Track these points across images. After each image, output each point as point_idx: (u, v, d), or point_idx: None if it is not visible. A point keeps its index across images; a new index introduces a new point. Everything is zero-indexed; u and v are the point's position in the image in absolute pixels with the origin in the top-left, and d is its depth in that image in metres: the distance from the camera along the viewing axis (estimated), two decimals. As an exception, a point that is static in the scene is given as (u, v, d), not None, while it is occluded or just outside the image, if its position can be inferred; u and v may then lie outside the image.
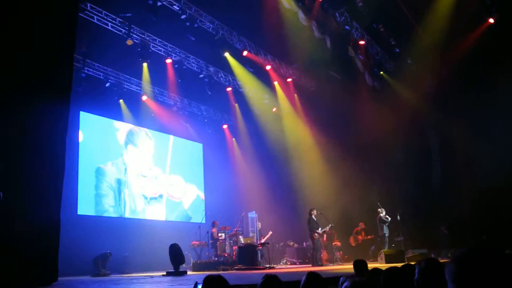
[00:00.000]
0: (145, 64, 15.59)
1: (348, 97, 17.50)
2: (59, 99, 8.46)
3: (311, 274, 3.74)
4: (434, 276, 2.60)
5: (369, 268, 4.98)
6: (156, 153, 18.32)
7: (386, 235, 15.02)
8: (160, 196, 18.02)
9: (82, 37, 12.21)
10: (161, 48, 15.22)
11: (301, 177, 18.90)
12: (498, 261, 1.38)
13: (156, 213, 17.75)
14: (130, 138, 17.36)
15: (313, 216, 14.99)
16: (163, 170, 18.44)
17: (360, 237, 16.72)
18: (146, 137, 18.12)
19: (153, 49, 14.96)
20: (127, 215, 16.48)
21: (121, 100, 16.44)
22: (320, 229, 15.10)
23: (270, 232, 16.54)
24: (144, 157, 17.79)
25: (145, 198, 17.35)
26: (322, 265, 14.29)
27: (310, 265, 14.77)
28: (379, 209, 15.37)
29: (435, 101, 16.94)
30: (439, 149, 17.16)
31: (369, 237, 16.67)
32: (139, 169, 17.37)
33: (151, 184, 17.72)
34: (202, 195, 19.91)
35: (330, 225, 15.57)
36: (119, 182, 16.42)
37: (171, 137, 19.25)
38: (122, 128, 17.13)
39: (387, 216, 15.28)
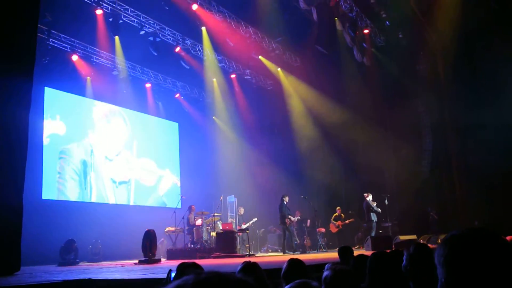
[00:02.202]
0: (117, 38, 15.35)
1: (335, 73, 17.52)
2: (21, 72, 8.27)
3: (293, 261, 3.75)
4: (423, 261, 2.62)
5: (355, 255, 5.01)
6: (126, 134, 18.12)
7: (374, 221, 15.13)
8: (129, 180, 17.88)
9: (46, 4, 11.93)
10: (133, 19, 14.97)
11: (283, 160, 18.94)
12: (490, 243, 1.37)
13: (126, 198, 17.64)
14: (98, 117, 17.13)
15: (284, 202, 15.05)
16: (133, 152, 18.26)
17: (339, 222, 16.84)
18: (116, 116, 17.89)
19: (124, 19, 14.72)
20: (94, 199, 16.35)
21: (88, 78, 16.21)
22: (290, 216, 15.13)
23: (255, 219, 16.57)
24: (114, 138, 17.60)
25: (114, 182, 17.19)
26: (297, 252, 14.42)
27: (282, 254, 14.76)
28: (365, 194, 15.46)
29: (426, 79, 17.05)
30: (430, 130, 17.28)
31: (347, 221, 16.77)
32: (107, 151, 17.19)
33: (120, 167, 17.56)
34: (177, 180, 19.81)
35: (297, 217, 15.85)
36: (85, 164, 16.24)
37: (144, 115, 19.05)
38: (90, 106, 16.89)
39: (374, 203, 15.36)
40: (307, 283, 2.03)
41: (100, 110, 17.23)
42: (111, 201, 16.96)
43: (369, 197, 15.36)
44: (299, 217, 16.34)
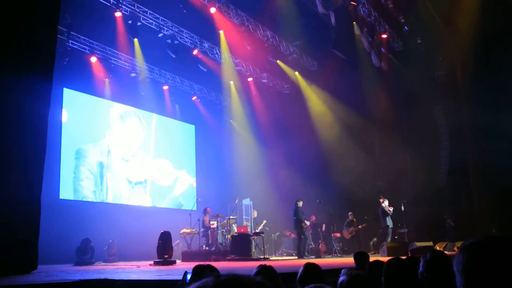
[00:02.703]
0: (136, 40, 15.47)
1: (352, 78, 17.48)
2: (41, 73, 8.37)
3: (309, 265, 3.74)
4: (440, 268, 2.61)
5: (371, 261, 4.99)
6: (143, 135, 18.24)
7: (390, 226, 15.03)
8: (146, 181, 17.98)
9: (66, 6, 12.08)
10: (152, 22, 15.09)
11: (299, 165, 18.91)
12: (509, 251, 1.36)
13: (142, 198, 17.75)
14: (115, 118, 17.27)
15: (299, 206, 15.02)
16: (149, 153, 18.36)
17: (352, 228, 16.74)
18: (133, 117, 18.02)
19: (143, 21, 14.84)
20: (111, 200, 16.47)
21: (106, 79, 16.36)
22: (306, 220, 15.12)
23: (264, 221, 16.60)
24: (130, 139, 17.72)
25: (130, 182, 17.30)
26: (309, 257, 14.40)
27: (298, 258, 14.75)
28: (381, 199, 15.36)
29: (445, 85, 16.93)
30: (448, 136, 17.12)
31: (360, 227, 16.65)
32: (123, 152, 17.31)
33: (136, 168, 17.66)
34: (193, 181, 19.88)
35: (311, 219, 15.81)
36: (101, 165, 16.37)
37: (161, 117, 19.16)
38: (107, 107, 17.05)
39: (390, 209, 15.22)
40: (321, 287, 2.03)
41: (118, 111, 17.37)
42: (127, 202, 17.06)
43: (385, 203, 15.25)
44: (312, 221, 16.29)
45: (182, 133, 20.30)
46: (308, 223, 15.27)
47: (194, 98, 19.90)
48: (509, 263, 1.34)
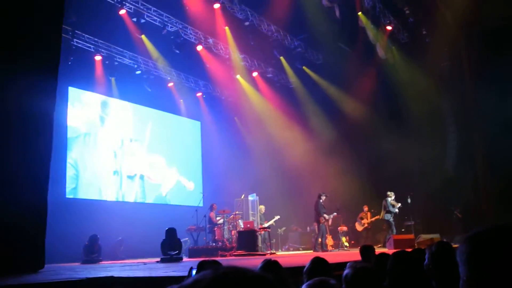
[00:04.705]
0: (143, 36, 15.46)
1: (357, 70, 17.43)
2: (46, 71, 8.38)
3: (316, 259, 3.74)
4: (446, 260, 2.58)
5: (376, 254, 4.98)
6: (149, 133, 18.27)
7: (389, 219, 15.04)
8: (153, 179, 18.02)
9: (70, 5, 12.08)
10: (156, 18, 15.07)
11: (305, 157, 18.81)
12: (513, 240, 1.34)
13: (147, 195, 17.79)
14: (121, 117, 17.32)
15: (321, 201, 15.07)
16: (155, 151, 18.40)
17: (365, 221, 16.72)
18: (139, 115, 18.06)
19: (147, 19, 14.83)
20: (115, 197, 16.56)
21: (112, 78, 16.38)
22: (326, 214, 15.12)
23: (277, 217, 16.54)
24: (136, 137, 17.78)
25: (132, 179, 17.34)
26: (326, 251, 14.42)
27: (312, 251, 14.89)
28: (388, 192, 15.33)
29: (450, 76, 16.84)
30: (455, 128, 17.04)
31: (373, 219, 16.62)
32: (128, 150, 17.37)
33: (141, 166, 17.71)
34: (198, 180, 19.84)
35: (334, 213, 15.67)
36: (105, 163, 16.44)
37: (167, 114, 19.22)
38: (113, 105, 17.09)
39: (397, 204, 15.14)
40: (325, 280, 2.03)
41: (123, 109, 17.41)
42: (133, 199, 17.14)
43: (392, 197, 15.22)
44: (335, 214, 16.11)
45: (188, 129, 20.32)
46: (327, 217, 15.22)
47: (199, 94, 19.89)
48: (512, 252, 1.32)
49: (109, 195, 16.27)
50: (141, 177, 17.55)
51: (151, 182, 17.98)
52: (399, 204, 15.14)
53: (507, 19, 14.47)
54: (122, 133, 17.19)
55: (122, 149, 17.00)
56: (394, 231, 14.82)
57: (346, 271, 2.75)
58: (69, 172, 15.10)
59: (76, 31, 14.45)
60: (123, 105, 17.47)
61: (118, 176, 16.67)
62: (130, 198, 17.04)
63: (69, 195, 14.91)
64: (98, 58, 15.54)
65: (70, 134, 15.31)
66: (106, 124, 16.73)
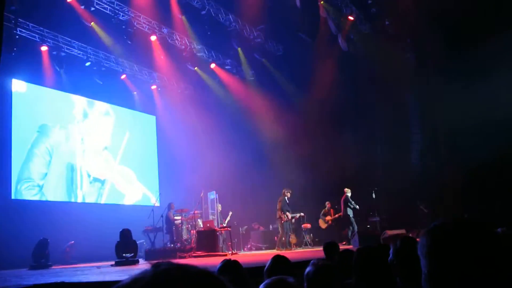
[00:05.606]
0: (93, 23, 15.13)
1: (318, 62, 17.55)
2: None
3: (277, 257, 3.76)
4: (410, 255, 2.63)
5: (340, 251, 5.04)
6: (102, 128, 18.03)
7: (351, 216, 15.33)
8: (105, 180, 17.78)
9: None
10: (106, 7, 14.81)
11: (266, 152, 18.84)
12: (472, 233, 1.37)
13: (101, 196, 17.56)
14: (70, 111, 17.00)
15: (286, 197, 15.10)
16: (109, 148, 18.17)
17: (328, 217, 16.90)
18: (90, 109, 17.77)
19: (97, 7, 14.56)
20: (68, 199, 16.28)
21: (60, 70, 16.03)
22: (289, 213, 15.16)
23: (230, 213, 16.55)
24: (88, 133, 17.50)
25: (88, 179, 17.08)
26: (290, 249, 14.53)
27: (275, 249, 14.98)
28: (346, 189, 15.63)
29: (415, 67, 17.15)
30: (419, 121, 17.38)
31: (337, 215, 16.82)
32: (80, 147, 17.10)
33: (95, 164, 17.45)
34: (152, 198, 19.57)
35: (300, 213, 15.84)
36: (57, 161, 16.11)
37: (120, 108, 18.97)
38: (63, 99, 16.75)
39: (351, 203, 15.51)
40: (283, 279, 2.04)
41: (72, 103, 17.10)
42: (86, 199, 16.86)
43: (349, 193, 15.54)
44: (302, 214, 16.26)
45: (143, 124, 20.13)
46: (290, 216, 15.27)
47: (154, 87, 19.69)
48: (473, 246, 1.34)
49: (59, 195, 15.95)
50: (89, 174, 17.28)
51: (94, 176, 17.70)
52: (357, 206, 15.55)
53: (467, 11, 14.76)
54: (73, 129, 16.86)
55: (74, 147, 16.68)
56: (356, 227, 15.07)
57: (308, 269, 2.78)
58: (15, 172, 14.72)
59: (20, 19, 14.04)
60: (75, 98, 17.13)
61: (70, 175, 16.35)
62: (84, 199, 16.76)
63: (14, 197, 14.54)
64: (44, 48, 15.19)
65: (15, 130, 14.91)
66: (56, 120, 16.36)
